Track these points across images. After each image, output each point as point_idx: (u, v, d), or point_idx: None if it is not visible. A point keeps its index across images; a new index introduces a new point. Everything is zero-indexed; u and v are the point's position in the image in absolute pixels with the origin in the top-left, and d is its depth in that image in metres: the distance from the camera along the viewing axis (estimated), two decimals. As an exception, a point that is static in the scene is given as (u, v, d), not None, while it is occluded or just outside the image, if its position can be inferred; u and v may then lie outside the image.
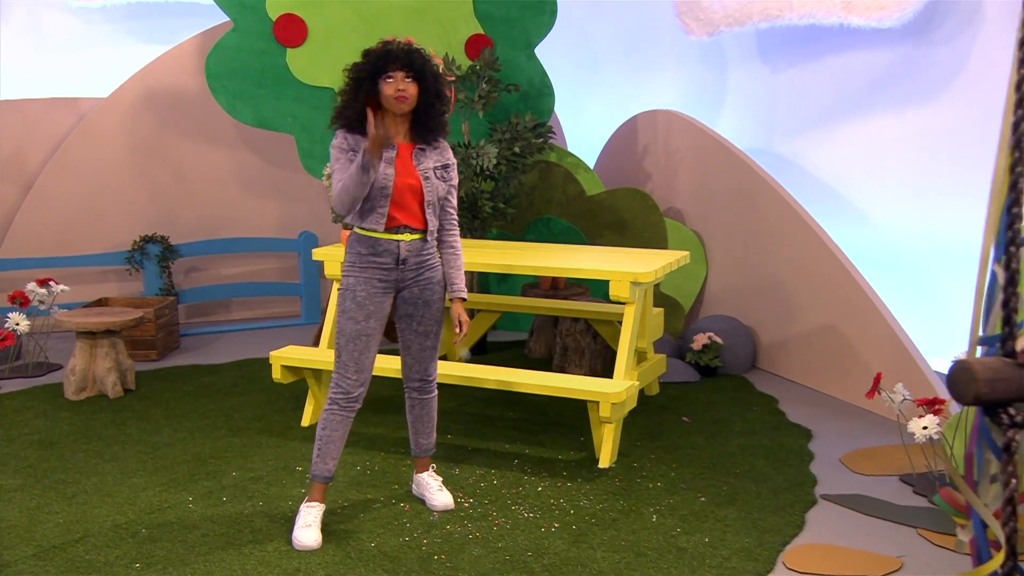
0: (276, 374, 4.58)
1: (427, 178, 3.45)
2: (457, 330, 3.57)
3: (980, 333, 1.31)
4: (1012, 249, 1.23)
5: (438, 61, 3.49)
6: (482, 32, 6.25)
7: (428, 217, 3.47)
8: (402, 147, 3.46)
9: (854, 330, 5.05)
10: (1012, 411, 1.25)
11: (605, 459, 4.15)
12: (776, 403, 5.08)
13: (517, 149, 5.95)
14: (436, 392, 3.75)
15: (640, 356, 4.78)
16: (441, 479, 3.84)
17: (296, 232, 6.89)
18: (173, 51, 6.52)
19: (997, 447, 1.28)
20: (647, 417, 4.79)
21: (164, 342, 5.93)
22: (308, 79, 5.94)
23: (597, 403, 4.08)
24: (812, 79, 6.11)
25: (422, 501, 3.78)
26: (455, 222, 3.60)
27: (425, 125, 3.44)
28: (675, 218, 6.30)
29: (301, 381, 4.70)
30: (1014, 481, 1.25)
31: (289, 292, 6.92)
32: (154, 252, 6.49)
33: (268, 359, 4.66)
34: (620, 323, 4.77)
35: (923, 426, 3.77)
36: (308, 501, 3.51)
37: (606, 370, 5.24)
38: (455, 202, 3.58)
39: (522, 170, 6.08)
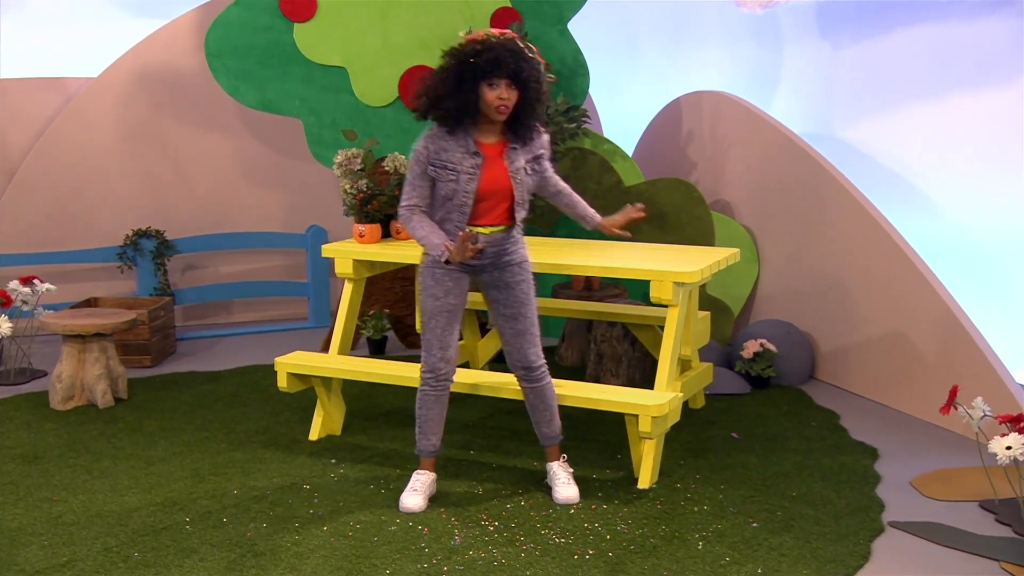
0: (282, 382, 4.60)
1: (518, 180, 3.71)
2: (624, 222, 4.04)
3: None
4: None
5: (543, 63, 3.75)
6: (509, 5, 6.23)
7: (516, 214, 3.77)
8: (492, 149, 3.70)
9: (926, 336, 4.99)
10: None
11: (645, 479, 4.14)
12: (837, 418, 5.04)
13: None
14: (548, 380, 3.98)
15: (684, 365, 4.76)
16: (572, 471, 4.04)
17: (304, 226, 6.91)
18: (169, 26, 6.56)
19: None
20: (692, 433, 4.76)
21: (159, 347, 5.97)
22: (317, 57, 5.95)
23: (636, 417, 4.06)
24: (879, 56, 6.05)
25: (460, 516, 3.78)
26: (562, 185, 4.01)
27: (515, 132, 3.72)
28: (723, 212, 6.27)
29: (309, 391, 4.71)
30: None
31: (296, 292, 6.94)
32: (148, 248, 6.53)
33: (273, 366, 4.68)
34: (661, 328, 4.75)
35: (1006, 446, 3.72)
36: (418, 470, 3.98)
37: (646, 380, 5.22)
38: (555, 177, 3.98)
39: (553, 158, 6.05)
